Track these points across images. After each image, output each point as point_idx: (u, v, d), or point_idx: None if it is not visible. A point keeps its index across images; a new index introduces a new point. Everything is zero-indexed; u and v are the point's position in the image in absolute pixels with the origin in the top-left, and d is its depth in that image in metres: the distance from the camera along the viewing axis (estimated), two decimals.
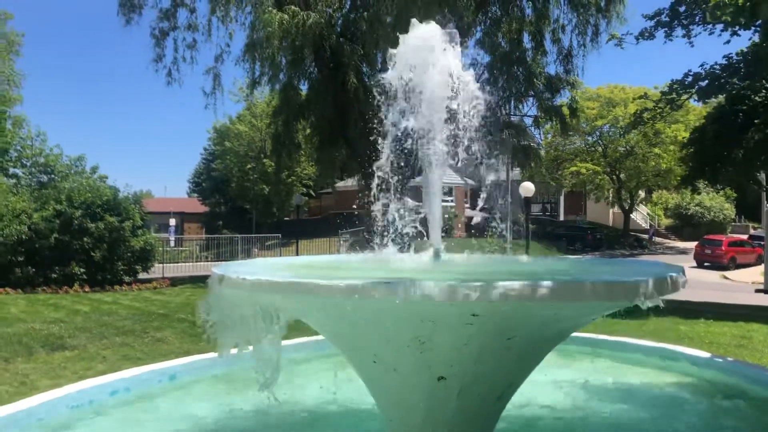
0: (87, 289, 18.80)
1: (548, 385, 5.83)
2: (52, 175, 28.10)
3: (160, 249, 25.55)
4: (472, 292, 3.15)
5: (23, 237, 18.82)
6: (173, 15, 22.90)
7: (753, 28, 13.94)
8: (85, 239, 19.31)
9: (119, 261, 20.28)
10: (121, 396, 5.84)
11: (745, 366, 7.01)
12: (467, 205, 47.30)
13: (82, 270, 19.23)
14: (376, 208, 4.84)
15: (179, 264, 28.66)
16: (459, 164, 4.80)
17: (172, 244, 35.55)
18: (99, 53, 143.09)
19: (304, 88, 24.35)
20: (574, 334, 5.02)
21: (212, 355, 6.67)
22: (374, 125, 4.78)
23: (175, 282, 21.45)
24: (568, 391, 6.02)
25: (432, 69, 4.63)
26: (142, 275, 21.68)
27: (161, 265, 25.21)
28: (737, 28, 11.86)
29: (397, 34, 4.68)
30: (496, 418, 4.28)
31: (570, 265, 5.59)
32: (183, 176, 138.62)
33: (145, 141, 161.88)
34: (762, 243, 20.22)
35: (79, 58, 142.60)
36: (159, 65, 23.11)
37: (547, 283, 3.14)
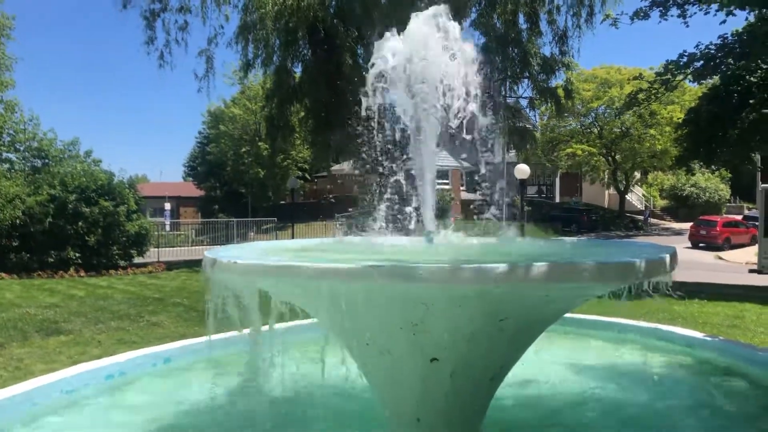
0: (82, 273, 18.79)
1: (541, 365, 5.85)
2: (46, 160, 27.89)
3: (156, 233, 25.51)
4: (464, 274, 3.15)
5: (17, 222, 18.78)
6: None
7: (748, 8, 13.86)
8: (80, 223, 19.28)
9: (114, 245, 20.26)
10: (117, 380, 5.85)
11: (737, 346, 7.05)
12: (463, 188, 47.28)
13: (77, 255, 19.22)
14: (371, 191, 4.83)
15: (175, 248, 28.64)
16: (456, 144, 4.80)
17: (168, 228, 35.49)
18: (92, 37, 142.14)
19: (298, 70, 24.19)
20: (568, 315, 5.04)
21: (206, 338, 6.70)
22: (369, 108, 4.76)
23: (170, 266, 21.45)
24: (561, 370, 6.05)
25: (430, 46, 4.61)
26: (137, 260, 21.68)
27: (156, 249, 25.18)
28: (732, 8, 11.78)
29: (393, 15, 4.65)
30: (489, 398, 4.30)
31: (563, 247, 5.59)
32: (178, 160, 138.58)
33: (140, 125, 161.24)
34: (756, 223, 20.28)
35: (72, 42, 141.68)
36: (151, 47, 22.90)
37: (538, 264, 3.14)
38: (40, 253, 18.95)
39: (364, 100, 4.68)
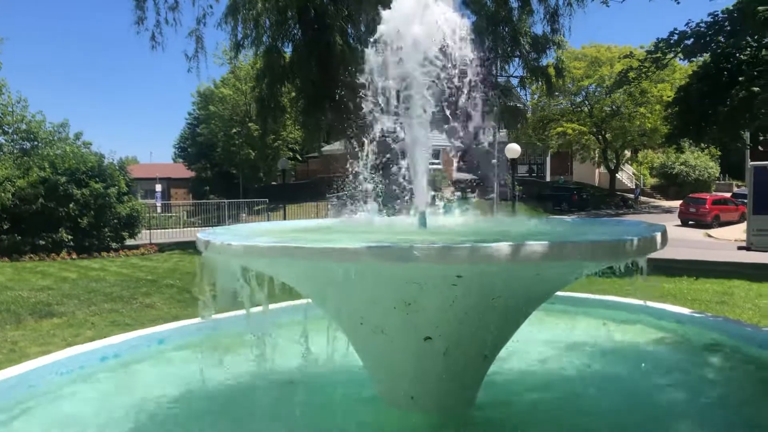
0: (74, 256, 18.76)
1: (534, 342, 5.92)
2: (36, 142, 27.72)
3: (147, 215, 25.46)
4: (456, 254, 3.19)
5: (8, 204, 18.68)
6: None
7: None
8: (71, 206, 19.19)
9: (106, 227, 20.21)
10: (111, 362, 5.88)
11: (725, 322, 7.14)
12: (454, 168, 47.26)
13: (69, 237, 19.16)
14: (364, 172, 4.85)
15: (166, 230, 28.64)
16: (448, 121, 4.80)
17: (159, 210, 35.44)
18: (80, 18, 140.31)
19: (288, 50, 24.01)
20: (559, 293, 5.10)
21: (200, 320, 6.73)
22: (360, 88, 4.75)
23: (162, 248, 21.43)
24: (553, 348, 6.12)
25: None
26: (129, 242, 21.64)
27: (148, 231, 25.15)
28: None
29: None
30: (482, 376, 4.36)
31: (555, 226, 5.64)
32: (168, 141, 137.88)
33: (130, 106, 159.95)
34: (745, 201, 20.43)
35: (60, 23, 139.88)
36: (141, 28, 22.61)
37: (530, 243, 3.17)
38: (32, 236, 18.88)
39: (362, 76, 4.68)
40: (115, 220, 20.46)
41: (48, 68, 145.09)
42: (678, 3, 16.21)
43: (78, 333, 8.30)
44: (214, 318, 6.63)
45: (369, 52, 4.71)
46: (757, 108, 13.03)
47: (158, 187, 49.69)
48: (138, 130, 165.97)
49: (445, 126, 4.84)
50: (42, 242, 18.81)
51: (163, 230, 28.39)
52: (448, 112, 4.75)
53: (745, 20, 14.92)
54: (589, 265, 3.91)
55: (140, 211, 22.24)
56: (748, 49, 17.91)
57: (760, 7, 11.23)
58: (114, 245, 20.45)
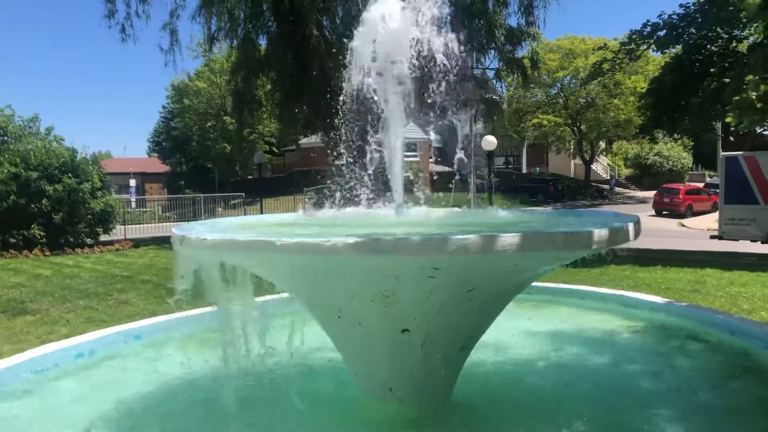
0: (48, 252, 18.49)
1: (511, 332, 5.98)
2: (5, 137, 27.23)
3: (122, 210, 25.17)
4: (433, 245, 3.20)
5: None
6: None
7: None
8: (43, 201, 18.91)
9: (80, 224, 19.95)
10: (87, 359, 5.83)
11: (698, 310, 7.28)
12: (431, 160, 47.40)
13: (41, 234, 18.88)
14: (340, 164, 4.84)
15: (141, 225, 28.34)
16: (424, 115, 4.82)
17: (134, 205, 35.05)
18: (50, 10, 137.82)
19: (264, 43, 23.82)
20: (535, 283, 5.15)
21: (177, 315, 6.70)
22: (336, 80, 4.75)
23: (137, 243, 21.22)
24: (528, 337, 6.18)
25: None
26: (103, 237, 21.39)
27: (123, 226, 24.88)
28: None
29: None
30: (459, 367, 4.40)
31: (531, 217, 5.68)
32: (142, 135, 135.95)
33: (103, 100, 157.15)
34: (717, 191, 20.77)
35: (29, 15, 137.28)
36: (111, 21, 22.25)
37: (506, 234, 3.20)
38: (3, 233, 18.57)
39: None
40: (89, 216, 20.19)
41: (16, 61, 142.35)
42: None
43: (52, 330, 8.20)
44: (192, 313, 6.63)
45: (347, 46, 4.70)
46: (728, 97, 13.22)
47: (132, 182, 49.14)
48: (111, 124, 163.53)
49: (421, 118, 4.86)
50: (13, 239, 18.51)
51: (138, 225, 28.10)
52: (423, 105, 4.76)
53: (710, 10, 15.12)
54: (566, 255, 3.95)
55: (114, 207, 21.97)
56: (719, 40, 18.18)
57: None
58: (88, 241, 20.19)
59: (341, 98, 4.76)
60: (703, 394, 4.92)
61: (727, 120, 11.42)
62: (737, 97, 10.02)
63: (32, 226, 18.77)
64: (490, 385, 4.99)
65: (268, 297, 5.53)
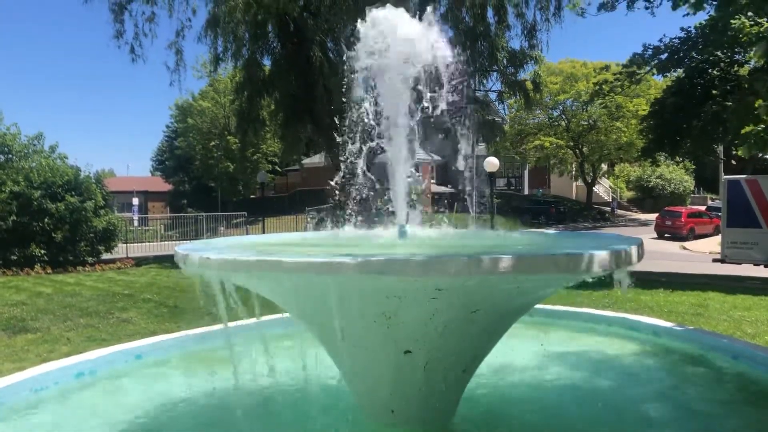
0: (49, 270, 18.47)
1: (513, 355, 5.95)
2: (10, 155, 27.31)
3: (124, 229, 25.18)
4: (436, 267, 3.20)
5: None
6: None
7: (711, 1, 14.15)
8: (45, 220, 18.92)
9: (82, 242, 19.93)
10: (87, 378, 5.79)
11: (702, 334, 7.24)
12: (433, 181, 47.46)
13: (42, 252, 18.86)
14: (343, 185, 4.85)
15: (143, 243, 28.30)
16: (425, 137, 4.83)
17: (136, 223, 35.04)
18: (56, 29, 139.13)
19: (268, 63, 24.04)
20: (538, 305, 5.13)
21: (178, 334, 6.67)
22: (340, 100, 4.77)
23: (139, 262, 21.20)
24: (532, 360, 6.15)
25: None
26: (105, 256, 21.35)
27: (125, 245, 24.87)
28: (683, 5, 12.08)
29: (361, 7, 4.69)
30: (461, 390, 4.37)
31: (534, 239, 5.68)
32: (146, 154, 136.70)
33: (107, 119, 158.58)
34: (719, 214, 20.75)
35: (36, 35, 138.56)
36: (120, 41, 22.55)
37: (510, 256, 3.19)
38: (4, 251, 18.56)
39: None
40: (91, 234, 20.19)
41: (23, 79, 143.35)
42: (653, 15, 16.49)
43: (53, 349, 8.16)
44: (193, 332, 6.60)
45: (349, 68, 4.73)
46: (730, 123, 13.28)
47: (135, 201, 49.20)
48: (115, 142, 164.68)
49: (424, 139, 4.87)
50: (14, 257, 18.49)
51: (140, 244, 28.07)
52: (426, 127, 4.78)
53: (713, 35, 15.23)
54: (569, 277, 3.94)
55: (117, 225, 21.98)
56: (721, 64, 18.29)
57: (746, 22, 11.50)
58: (90, 259, 20.16)
59: (344, 117, 4.78)
60: (710, 420, 4.88)
61: (738, 153, 11.47)
62: (746, 129, 10.06)
63: (31, 244, 18.74)
64: (492, 407, 4.96)
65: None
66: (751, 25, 11.60)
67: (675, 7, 8.65)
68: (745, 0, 7.99)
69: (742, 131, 10.24)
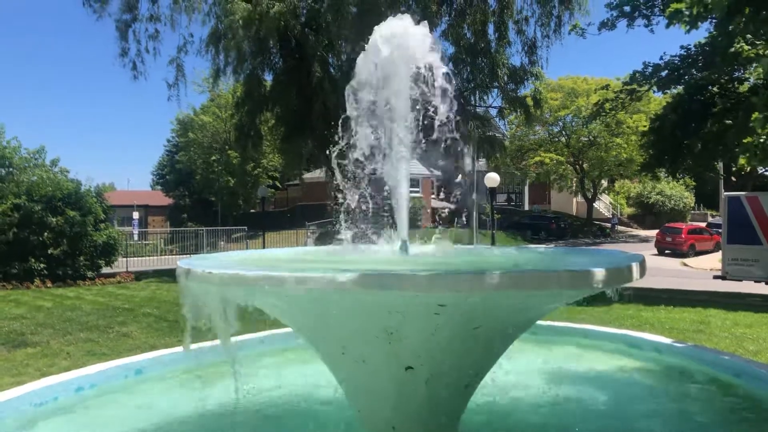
0: (49, 284, 18.44)
1: (515, 371, 5.92)
2: (10, 169, 27.41)
3: (124, 243, 25.17)
4: (439, 283, 3.20)
5: None
6: (135, 6, 22.51)
7: (710, 19, 14.23)
8: (45, 234, 18.91)
9: (81, 256, 19.91)
10: (87, 392, 5.76)
11: (703, 351, 7.21)
12: (433, 196, 47.53)
13: (42, 265, 18.83)
14: (344, 200, 4.85)
15: (143, 258, 28.28)
16: (425, 152, 4.83)
17: (136, 237, 35.06)
18: (58, 44, 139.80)
19: (268, 78, 24.17)
20: (539, 322, 5.12)
21: (178, 349, 6.65)
22: (340, 115, 4.79)
23: (139, 276, 21.18)
24: (534, 376, 6.12)
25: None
26: (105, 270, 21.32)
27: (125, 259, 24.84)
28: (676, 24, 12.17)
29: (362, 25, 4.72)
30: (463, 406, 4.35)
31: (536, 255, 5.67)
32: (146, 168, 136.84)
33: (108, 133, 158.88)
34: (719, 230, 20.76)
35: (37, 49, 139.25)
36: (125, 60, 22.74)
37: (512, 273, 3.20)
38: (4, 265, 18.53)
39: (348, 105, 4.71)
40: (91, 248, 20.16)
41: (24, 94, 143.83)
42: (653, 33, 16.58)
43: (53, 363, 8.14)
44: (193, 347, 6.57)
45: (349, 87, 4.75)
46: (731, 139, 13.29)
47: (135, 215, 49.21)
48: (116, 156, 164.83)
49: (424, 154, 4.88)
50: (14, 271, 18.46)
51: (140, 258, 28.05)
52: (426, 142, 4.79)
53: (714, 55, 15.32)
54: (571, 293, 3.94)
55: (117, 239, 21.97)
56: (721, 81, 18.37)
57: (744, 46, 11.57)
58: (90, 274, 20.13)
59: (345, 131, 4.79)
60: None
61: (741, 162, 11.48)
62: (748, 139, 10.08)
63: (30, 258, 18.71)
64: (494, 423, 4.93)
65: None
66: (749, 49, 11.68)
67: (668, 25, 8.70)
68: (744, 18, 8.03)
69: (744, 141, 10.28)
